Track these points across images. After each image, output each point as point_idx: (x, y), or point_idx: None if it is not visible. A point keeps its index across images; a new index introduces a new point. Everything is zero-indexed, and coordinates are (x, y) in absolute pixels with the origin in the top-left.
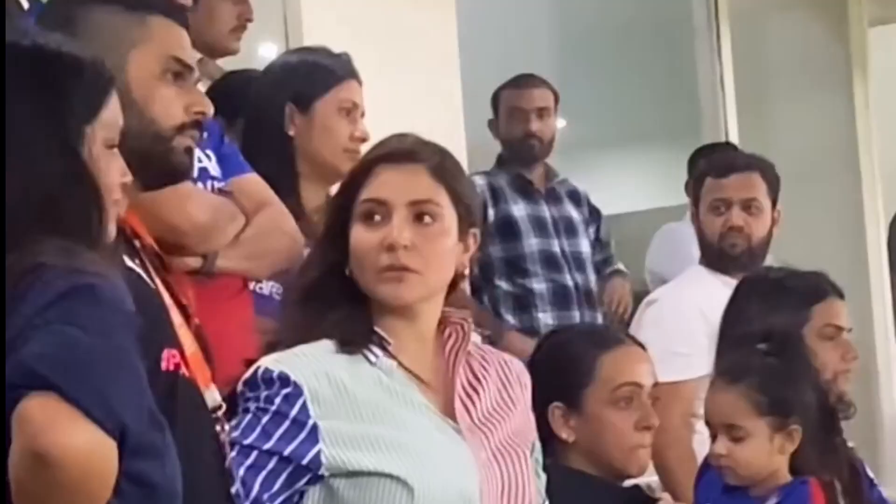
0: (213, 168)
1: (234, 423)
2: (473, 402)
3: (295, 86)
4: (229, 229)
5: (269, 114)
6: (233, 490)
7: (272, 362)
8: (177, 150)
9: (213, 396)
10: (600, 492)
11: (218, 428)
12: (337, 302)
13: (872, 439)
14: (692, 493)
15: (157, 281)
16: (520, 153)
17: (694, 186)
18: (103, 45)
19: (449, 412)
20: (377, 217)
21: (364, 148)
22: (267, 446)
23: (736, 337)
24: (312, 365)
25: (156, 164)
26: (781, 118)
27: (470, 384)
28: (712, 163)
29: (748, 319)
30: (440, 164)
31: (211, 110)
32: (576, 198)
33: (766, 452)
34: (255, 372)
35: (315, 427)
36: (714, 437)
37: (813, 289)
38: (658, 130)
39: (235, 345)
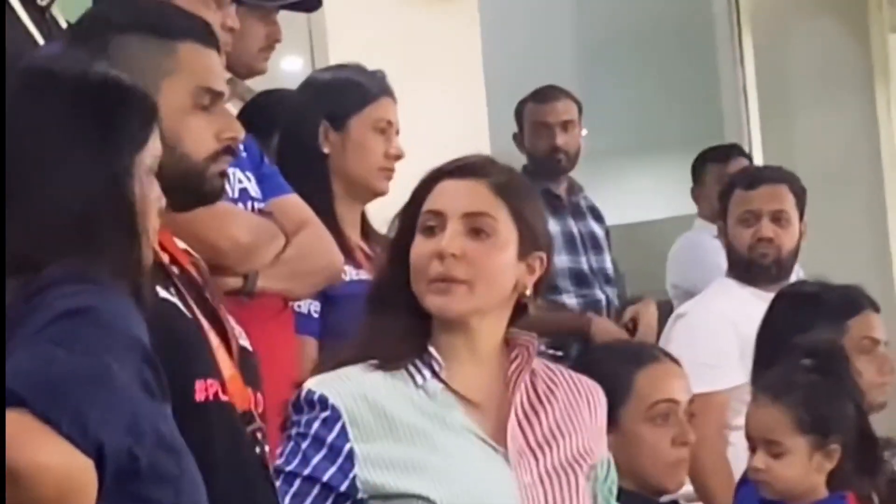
0: (253, 189)
1: (280, 448)
2: (531, 424)
3: (329, 103)
4: (270, 249)
5: (304, 132)
6: None
7: (315, 384)
8: (210, 177)
9: (253, 419)
10: None
11: (258, 450)
12: (399, 317)
13: None
14: (726, 499)
15: (195, 309)
16: (546, 167)
17: (721, 200)
18: (136, 73)
19: (501, 435)
20: (434, 228)
21: (399, 166)
22: (307, 472)
23: (778, 351)
24: (353, 387)
25: (190, 191)
26: (804, 124)
27: (531, 404)
28: (740, 176)
29: (785, 333)
30: (505, 181)
31: (242, 134)
32: (596, 213)
33: (804, 469)
34: (299, 394)
35: (351, 452)
36: (753, 451)
37: (849, 302)
38: (681, 138)
39: (280, 366)
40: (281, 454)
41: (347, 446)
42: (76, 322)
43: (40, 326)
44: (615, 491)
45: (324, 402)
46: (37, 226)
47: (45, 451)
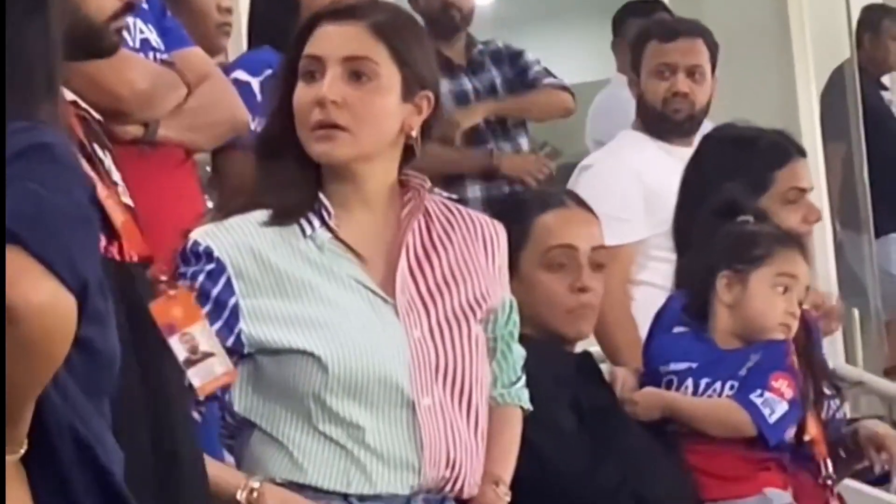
0: (155, 40)
1: None
2: (424, 271)
3: None
4: (170, 98)
5: None
6: None
7: (201, 235)
8: (108, 35)
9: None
10: (544, 353)
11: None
12: (288, 167)
13: None
14: (631, 354)
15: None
16: (440, 26)
17: (634, 50)
18: None
19: (392, 285)
20: (314, 74)
21: None
22: None
23: (705, 193)
24: (240, 239)
25: (88, 48)
26: None
27: (424, 250)
28: (655, 26)
29: (713, 176)
30: (385, 21)
31: None
32: (497, 57)
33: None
34: (186, 245)
35: (237, 307)
36: None
37: (777, 152)
38: (590, 3)
39: (177, 215)
40: None
41: (233, 300)
42: (36, 159)
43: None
44: (517, 334)
45: (209, 255)
46: None
47: (38, 290)
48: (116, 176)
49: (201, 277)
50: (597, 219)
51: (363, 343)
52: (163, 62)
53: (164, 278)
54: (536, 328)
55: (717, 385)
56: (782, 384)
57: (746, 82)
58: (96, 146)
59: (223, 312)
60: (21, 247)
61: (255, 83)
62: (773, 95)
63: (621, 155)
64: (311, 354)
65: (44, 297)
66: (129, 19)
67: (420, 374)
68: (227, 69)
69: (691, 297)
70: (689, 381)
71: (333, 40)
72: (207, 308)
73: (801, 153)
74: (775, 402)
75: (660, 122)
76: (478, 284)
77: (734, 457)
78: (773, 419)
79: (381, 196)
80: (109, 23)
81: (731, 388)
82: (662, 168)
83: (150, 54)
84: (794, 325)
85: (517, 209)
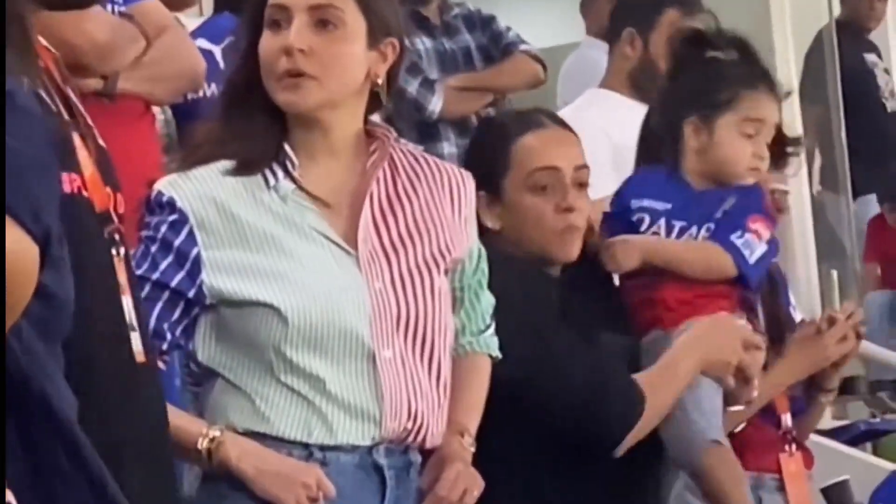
0: None
1: (134, 250)
2: (388, 222)
3: None
4: (129, 50)
5: None
6: None
7: (165, 185)
8: None
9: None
10: (530, 273)
11: (113, 251)
12: (252, 117)
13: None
14: None
15: (60, 105)
16: None
17: (646, 11)
18: None
19: (353, 236)
20: (280, 22)
21: None
22: (156, 277)
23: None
24: (203, 189)
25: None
26: None
27: (388, 201)
28: None
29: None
30: None
31: None
32: (470, 21)
33: None
34: (150, 195)
35: (198, 257)
36: None
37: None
38: None
39: (139, 167)
40: (134, 255)
41: (195, 251)
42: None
43: None
44: (485, 283)
45: (172, 205)
46: None
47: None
48: (90, 121)
49: (164, 228)
50: (577, 137)
51: (323, 295)
52: (121, 14)
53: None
54: (525, 252)
55: (693, 230)
56: (759, 226)
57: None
58: (69, 89)
59: (185, 263)
60: None
61: (217, 51)
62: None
63: (587, 112)
64: (272, 306)
65: (9, 246)
66: None
67: (381, 326)
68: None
69: (662, 143)
70: (662, 222)
71: None
72: (170, 259)
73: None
74: (754, 243)
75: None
76: (443, 235)
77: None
78: (752, 259)
79: (348, 144)
80: None
81: (707, 230)
82: (630, 123)
83: (109, 7)
84: (764, 167)
85: (496, 133)
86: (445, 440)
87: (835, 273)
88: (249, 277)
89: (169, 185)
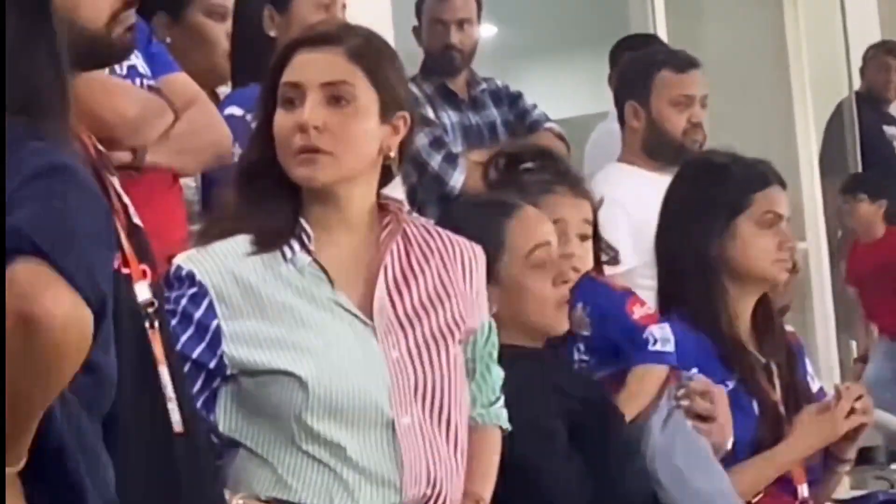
0: (142, 66)
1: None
2: (402, 294)
3: None
4: (158, 124)
5: (251, 20)
6: None
7: (185, 260)
8: (116, 39)
9: (143, 292)
10: (527, 361)
11: (147, 324)
12: (268, 192)
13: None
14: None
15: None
16: (441, 64)
17: (637, 78)
18: None
19: (371, 307)
20: (294, 100)
21: None
22: (178, 349)
23: (681, 219)
24: (222, 263)
25: (98, 57)
26: (710, 19)
27: (402, 273)
28: (665, 55)
29: (691, 201)
30: (360, 46)
31: None
32: (497, 97)
33: None
34: (170, 270)
35: (219, 329)
36: None
37: (757, 175)
38: (588, 34)
39: (166, 240)
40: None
41: (215, 323)
42: (62, 178)
43: (23, 180)
44: (496, 354)
45: (191, 278)
46: None
47: (60, 302)
48: (126, 198)
49: (184, 301)
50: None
51: (343, 364)
52: (150, 88)
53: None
54: (521, 332)
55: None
56: (638, 308)
57: (744, 112)
58: (103, 169)
59: (206, 335)
60: (45, 260)
61: (249, 117)
62: (770, 126)
63: (607, 188)
64: (292, 374)
65: (66, 310)
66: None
67: (399, 394)
68: (218, 106)
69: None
70: None
71: (312, 67)
72: (190, 331)
73: (781, 183)
74: (661, 330)
75: (677, 151)
76: (456, 306)
77: None
78: (670, 347)
79: (362, 218)
80: (111, 26)
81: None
82: (649, 198)
83: (138, 80)
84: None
85: (477, 219)
86: None
87: (854, 343)
88: (269, 347)
89: (188, 260)
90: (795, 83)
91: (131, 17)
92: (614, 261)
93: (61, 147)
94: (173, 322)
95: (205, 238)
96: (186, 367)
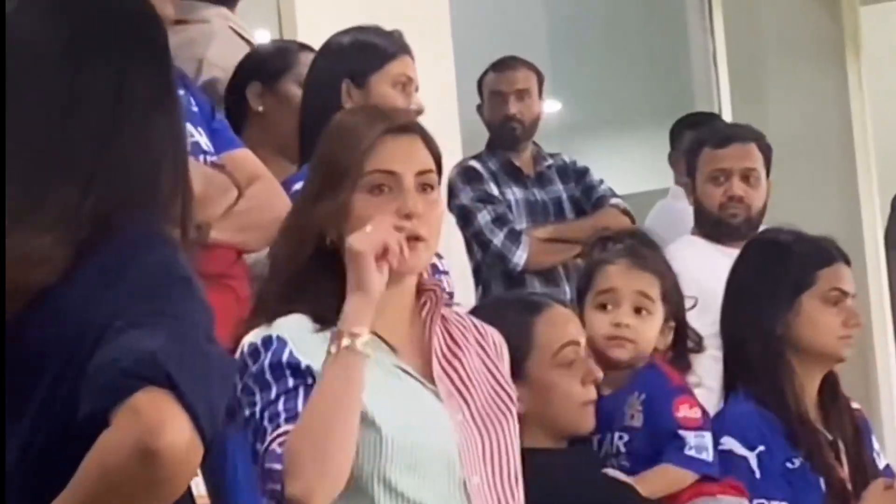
0: (205, 143)
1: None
2: (455, 367)
3: (350, 63)
4: (222, 201)
5: (328, 91)
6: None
7: (254, 335)
8: None
9: None
10: (555, 464)
11: None
12: (315, 273)
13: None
14: None
15: None
16: (502, 136)
17: (688, 157)
18: None
19: (427, 376)
20: (385, 188)
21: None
22: (274, 393)
23: (745, 297)
24: (294, 332)
25: None
26: (775, 97)
27: (450, 349)
28: (709, 133)
29: (755, 280)
30: (426, 132)
31: None
32: (563, 172)
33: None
34: (242, 352)
35: (309, 367)
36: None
37: (821, 252)
38: (652, 111)
39: (231, 317)
40: (240, 408)
41: (304, 363)
42: (185, 295)
43: (143, 293)
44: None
45: (267, 340)
46: (106, 182)
47: (182, 438)
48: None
49: (266, 360)
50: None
51: (416, 421)
52: (213, 165)
53: None
54: (546, 432)
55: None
56: (685, 409)
57: (809, 189)
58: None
59: (298, 371)
60: (175, 393)
61: None
62: (835, 202)
63: (676, 260)
64: (372, 423)
65: (186, 447)
66: None
67: (468, 455)
68: (286, 182)
69: None
70: None
71: (405, 155)
72: (282, 373)
73: (846, 260)
74: (698, 438)
75: (717, 226)
76: (504, 382)
77: None
78: (709, 456)
79: (411, 297)
80: None
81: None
82: (719, 269)
83: (201, 157)
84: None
85: (503, 317)
86: None
87: None
88: None
89: (257, 332)
90: (860, 158)
91: None
92: (698, 347)
93: (174, 246)
94: (259, 385)
95: (265, 318)
96: (299, 393)
